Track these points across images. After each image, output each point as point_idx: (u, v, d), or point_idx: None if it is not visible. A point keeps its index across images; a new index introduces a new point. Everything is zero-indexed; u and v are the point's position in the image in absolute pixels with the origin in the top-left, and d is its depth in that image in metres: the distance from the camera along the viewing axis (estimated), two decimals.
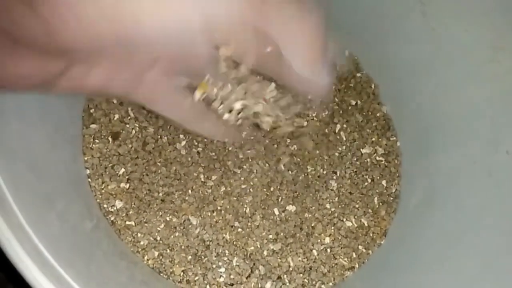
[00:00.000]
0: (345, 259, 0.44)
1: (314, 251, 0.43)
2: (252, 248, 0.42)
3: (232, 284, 0.40)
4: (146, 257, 0.39)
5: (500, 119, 0.38)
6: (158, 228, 0.40)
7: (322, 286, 0.42)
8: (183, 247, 0.40)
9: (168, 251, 0.40)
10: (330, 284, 0.43)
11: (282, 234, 0.43)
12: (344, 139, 0.49)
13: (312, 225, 0.44)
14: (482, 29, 0.39)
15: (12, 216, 0.24)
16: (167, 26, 0.20)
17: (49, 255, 0.23)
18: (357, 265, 0.44)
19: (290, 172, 0.45)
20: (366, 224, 0.45)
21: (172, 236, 0.41)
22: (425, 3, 0.41)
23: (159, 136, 0.44)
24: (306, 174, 0.46)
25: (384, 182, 0.47)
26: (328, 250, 0.44)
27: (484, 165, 0.39)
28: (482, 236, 0.38)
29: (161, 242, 0.40)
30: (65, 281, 0.23)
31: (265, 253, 0.42)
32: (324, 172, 0.47)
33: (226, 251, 0.41)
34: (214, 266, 0.41)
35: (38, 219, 0.25)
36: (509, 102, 0.37)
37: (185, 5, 0.20)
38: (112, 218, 0.40)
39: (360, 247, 0.44)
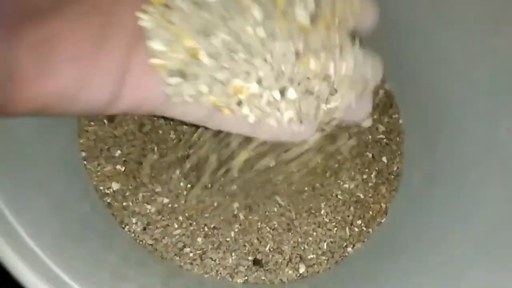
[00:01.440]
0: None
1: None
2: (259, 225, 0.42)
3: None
4: (142, 238, 0.39)
5: (501, 95, 0.37)
6: (157, 211, 0.40)
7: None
8: (181, 229, 0.40)
9: (166, 231, 0.40)
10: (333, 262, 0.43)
11: None
12: None
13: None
14: (483, 1, 0.37)
15: None
16: None
17: (29, 239, 0.23)
18: (359, 244, 0.43)
19: None
20: (362, 197, 0.45)
21: (170, 217, 0.41)
22: None
23: (155, 117, 0.43)
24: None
25: (384, 159, 0.47)
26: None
27: (485, 142, 0.38)
28: (484, 213, 0.38)
29: (158, 223, 0.40)
30: (44, 262, 0.23)
31: None
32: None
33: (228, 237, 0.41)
34: (211, 245, 0.41)
35: (24, 204, 0.25)
36: (511, 78, 0.36)
37: None
38: (108, 200, 0.40)
39: (359, 222, 0.44)
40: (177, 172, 0.42)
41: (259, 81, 0.25)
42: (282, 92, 0.25)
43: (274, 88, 0.25)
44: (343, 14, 0.26)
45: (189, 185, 0.42)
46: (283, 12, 0.24)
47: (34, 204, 0.28)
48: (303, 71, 0.25)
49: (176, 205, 0.41)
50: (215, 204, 0.42)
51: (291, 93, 0.25)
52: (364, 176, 0.46)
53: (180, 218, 0.41)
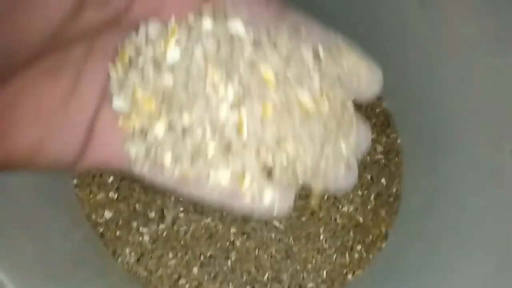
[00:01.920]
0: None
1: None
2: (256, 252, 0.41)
3: None
4: (136, 270, 0.38)
5: (505, 116, 0.36)
6: (151, 239, 0.39)
7: None
8: (176, 259, 0.39)
9: (161, 262, 0.39)
10: None
11: None
12: None
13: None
14: (485, 19, 0.36)
15: None
16: None
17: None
18: (359, 271, 0.42)
19: None
20: (361, 220, 0.43)
21: (164, 246, 0.39)
22: None
23: None
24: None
25: (383, 181, 0.46)
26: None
27: (488, 164, 0.37)
28: (488, 237, 0.37)
29: (152, 253, 0.39)
30: None
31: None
32: None
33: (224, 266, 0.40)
34: (208, 275, 0.39)
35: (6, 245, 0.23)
36: None
37: None
38: (101, 230, 0.38)
39: (359, 247, 0.43)
40: (173, 197, 0.41)
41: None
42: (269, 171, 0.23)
43: (254, 176, 0.22)
44: (348, 89, 0.23)
45: (185, 210, 0.41)
46: (274, 93, 0.21)
47: (18, 243, 0.27)
48: (293, 160, 0.23)
49: (171, 233, 0.40)
50: (212, 229, 0.41)
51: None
52: (363, 199, 0.45)
53: (175, 246, 0.39)
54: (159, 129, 0.21)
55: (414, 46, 0.44)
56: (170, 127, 0.21)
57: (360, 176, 0.46)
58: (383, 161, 0.47)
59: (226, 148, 0.22)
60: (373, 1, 0.44)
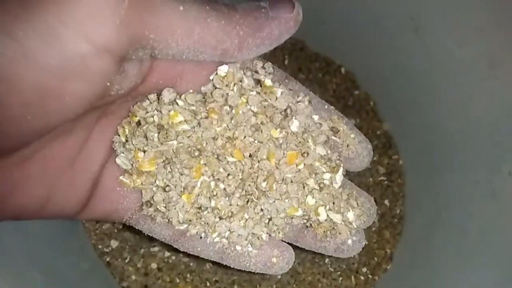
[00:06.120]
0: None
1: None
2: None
3: None
4: None
5: (501, 138, 0.37)
6: (158, 267, 0.40)
7: None
8: (183, 285, 0.39)
9: None
10: None
11: None
12: None
13: None
14: (477, 45, 0.37)
15: None
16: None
17: None
18: None
19: None
20: (366, 242, 0.43)
21: (171, 275, 0.40)
22: (416, 20, 0.40)
23: None
24: None
25: (387, 202, 0.46)
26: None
27: (488, 185, 0.38)
28: (490, 256, 0.37)
29: (159, 281, 0.39)
30: None
31: None
32: None
33: None
34: None
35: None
36: (510, 120, 0.36)
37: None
38: (108, 259, 0.39)
39: (364, 270, 0.43)
40: None
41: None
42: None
43: (252, 239, 0.24)
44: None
45: None
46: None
47: (28, 275, 0.27)
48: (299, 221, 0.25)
49: (177, 260, 0.40)
50: None
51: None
52: None
53: (182, 273, 0.40)
54: (158, 189, 0.22)
55: (412, 70, 0.45)
56: (169, 188, 0.22)
57: None
58: (386, 182, 0.47)
59: (227, 212, 0.23)
60: (372, 29, 0.45)
